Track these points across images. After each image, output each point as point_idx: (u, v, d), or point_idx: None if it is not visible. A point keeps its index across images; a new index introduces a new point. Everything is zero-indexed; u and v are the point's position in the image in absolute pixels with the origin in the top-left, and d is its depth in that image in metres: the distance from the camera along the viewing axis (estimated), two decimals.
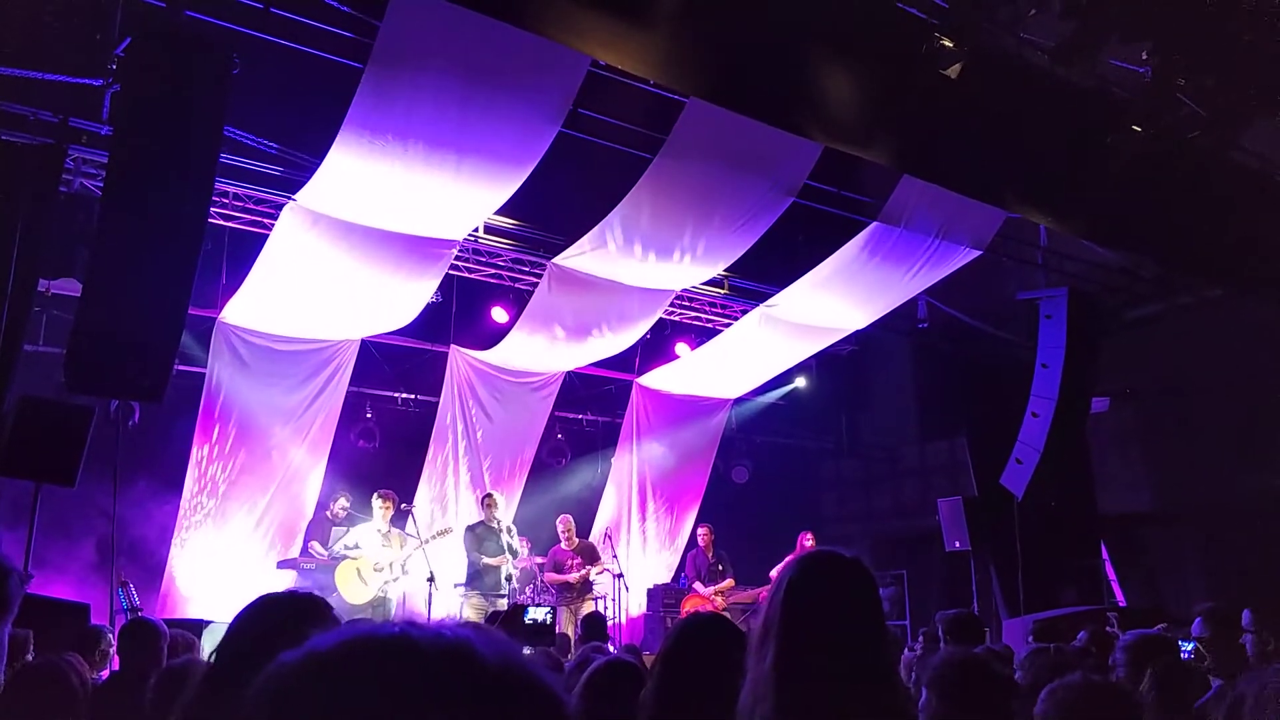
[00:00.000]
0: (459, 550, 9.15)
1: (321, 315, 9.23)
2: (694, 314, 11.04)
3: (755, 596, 9.96)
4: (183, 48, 5.93)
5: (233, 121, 6.71)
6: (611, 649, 5.37)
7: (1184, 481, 10.99)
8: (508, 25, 6.07)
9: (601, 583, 9.92)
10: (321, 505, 9.25)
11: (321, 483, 9.49)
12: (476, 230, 9.11)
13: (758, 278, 10.52)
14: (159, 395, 6.09)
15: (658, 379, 11.90)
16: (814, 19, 6.33)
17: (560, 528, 9.81)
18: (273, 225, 8.14)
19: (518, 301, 9.96)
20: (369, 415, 10.39)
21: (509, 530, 9.18)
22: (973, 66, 6.50)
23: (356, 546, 8.59)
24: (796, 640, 1.70)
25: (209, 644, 6.04)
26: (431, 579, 8.12)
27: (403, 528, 8.82)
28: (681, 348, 11.42)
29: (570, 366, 11.11)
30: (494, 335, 10.29)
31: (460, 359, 10.46)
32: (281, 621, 1.65)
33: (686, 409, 12.22)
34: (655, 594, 10.80)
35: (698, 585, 10.24)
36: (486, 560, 8.89)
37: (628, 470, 11.88)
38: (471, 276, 9.84)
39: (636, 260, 9.20)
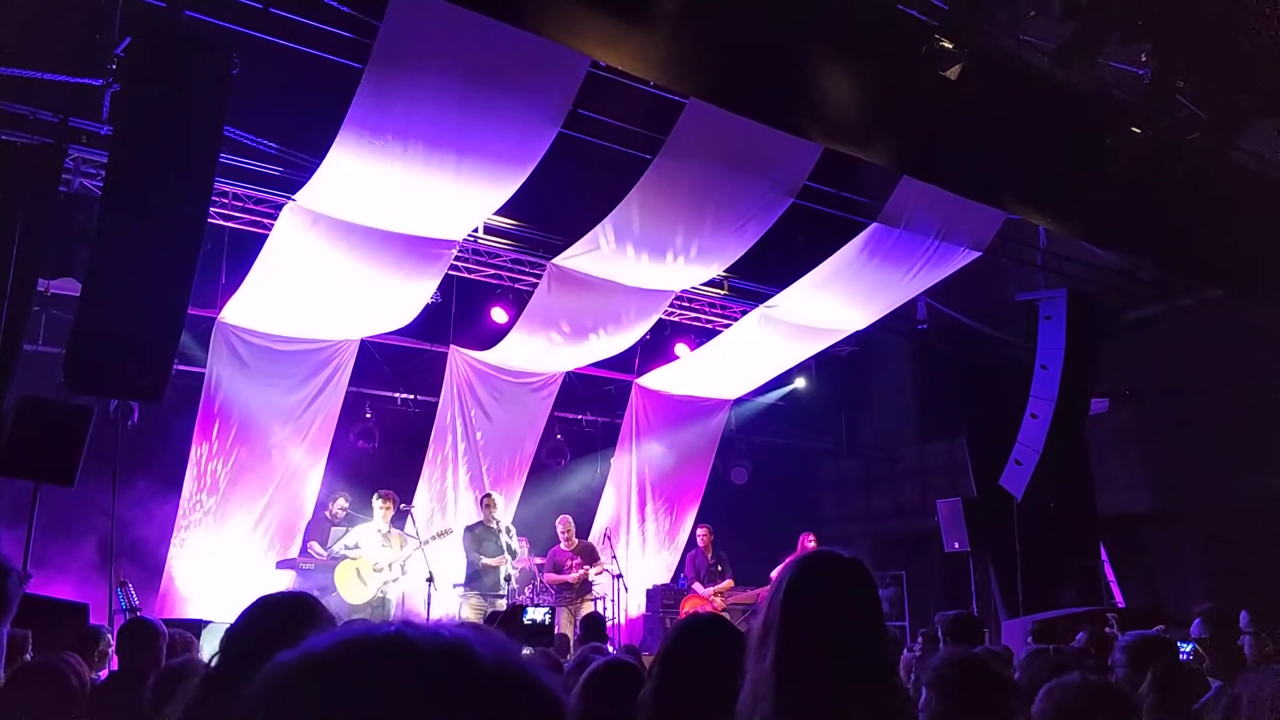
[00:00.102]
0: (458, 551, 9.15)
1: (321, 315, 9.23)
2: (693, 314, 11.04)
3: (754, 597, 9.96)
4: (183, 48, 5.92)
5: (233, 121, 6.71)
6: (610, 649, 5.36)
7: (1183, 482, 10.99)
8: (508, 25, 6.07)
9: (601, 583, 9.91)
10: (321, 505, 9.24)
11: (321, 483, 9.49)
12: (476, 230, 9.11)
13: (757, 278, 10.52)
14: (158, 395, 6.09)
15: (657, 379, 11.90)
16: (814, 19, 6.33)
17: (560, 528, 9.80)
18: (272, 225, 8.14)
19: (517, 302, 9.96)
20: (368, 415, 10.39)
21: (508, 531, 9.18)
22: (972, 68, 6.51)
23: (356, 546, 8.59)
24: (796, 640, 1.70)
25: (208, 644, 6.05)
26: (430, 579, 8.11)
27: (402, 528, 8.82)
28: (681, 348, 11.42)
29: (570, 367, 11.11)
30: (493, 335, 10.29)
31: (460, 359, 10.46)
32: (282, 622, 1.65)
33: (686, 409, 12.22)
34: (654, 594, 10.80)
35: (697, 586, 10.24)
36: (485, 560, 8.88)
37: (627, 471, 11.88)
38: (471, 277, 9.84)
39: (636, 261, 9.20)
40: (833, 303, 10.37)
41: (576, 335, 10.25)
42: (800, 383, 12.78)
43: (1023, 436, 10.00)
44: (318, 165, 7.48)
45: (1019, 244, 10.73)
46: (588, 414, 12.25)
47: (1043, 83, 7.11)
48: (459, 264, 9.45)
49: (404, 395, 10.80)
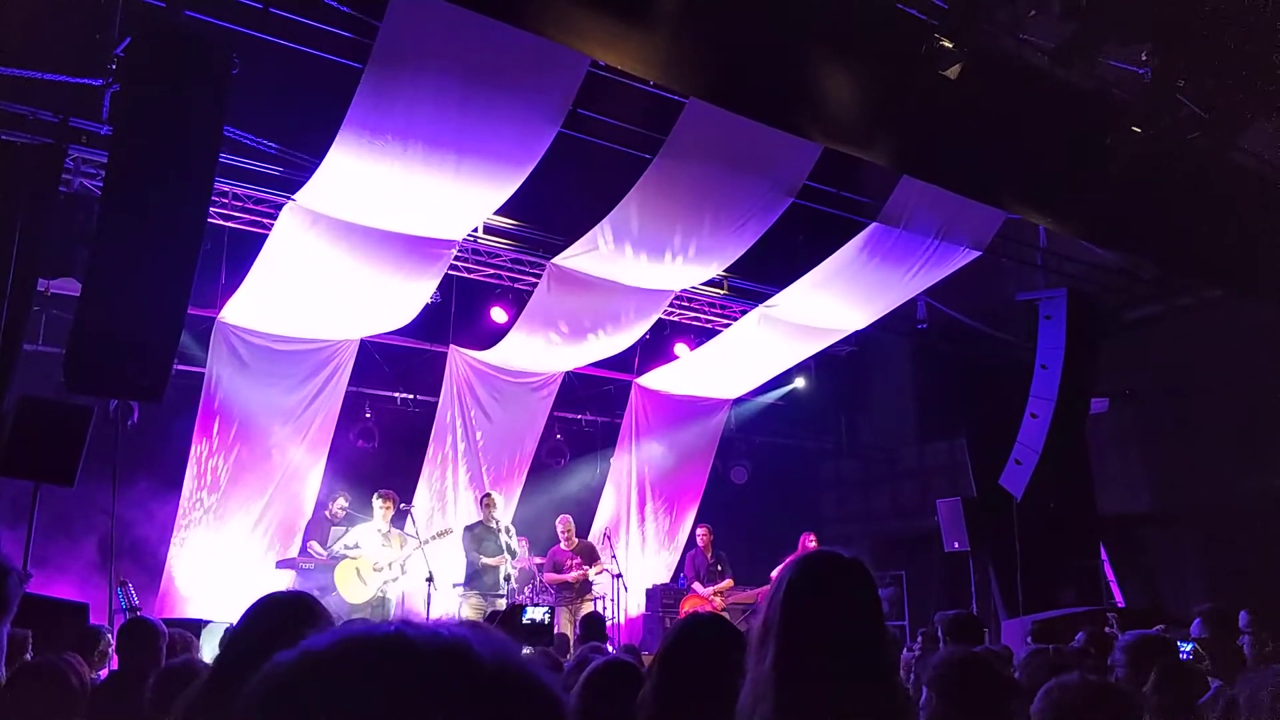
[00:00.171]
0: (458, 550, 9.15)
1: (321, 315, 9.23)
2: (693, 314, 11.04)
3: (754, 597, 9.96)
4: (182, 48, 5.92)
5: (232, 121, 6.71)
6: (610, 649, 5.36)
7: (1183, 482, 10.99)
8: (508, 25, 6.07)
9: (600, 583, 9.91)
10: (320, 505, 9.24)
11: (320, 482, 9.49)
12: (476, 230, 9.11)
13: (757, 278, 10.52)
14: (158, 395, 6.09)
15: (657, 379, 11.90)
16: (814, 19, 6.33)
17: (559, 528, 9.80)
18: (272, 225, 8.14)
19: (517, 302, 9.96)
20: (368, 415, 10.39)
21: (507, 530, 9.18)
22: (972, 67, 6.51)
23: (356, 546, 8.59)
24: (796, 640, 1.70)
25: (208, 644, 6.05)
26: (430, 579, 8.12)
27: (402, 528, 8.82)
28: (681, 348, 11.42)
29: (569, 366, 11.11)
30: (493, 335, 10.29)
31: (459, 359, 10.46)
32: (282, 622, 1.65)
33: (686, 409, 12.22)
34: (654, 594, 10.80)
35: (697, 585, 10.24)
36: (485, 560, 8.88)
37: (627, 470, 11.88)
38: (471, 276, 9.84)
39: (635, 261, 9.20)
40: (832, 302, 10.37)
41: (576, 335, 10.25)
42: (800, 382, 12.78)
43: (1023, 436, 10.00)
44: (317, 165, 7.48)
45: (1019, 244, 10.73)
46: (587, 414, 12.25)
47: (1043, 82, 7.11)
48: (459, 264, 9.45)
49: (404, 395, 10.80)
